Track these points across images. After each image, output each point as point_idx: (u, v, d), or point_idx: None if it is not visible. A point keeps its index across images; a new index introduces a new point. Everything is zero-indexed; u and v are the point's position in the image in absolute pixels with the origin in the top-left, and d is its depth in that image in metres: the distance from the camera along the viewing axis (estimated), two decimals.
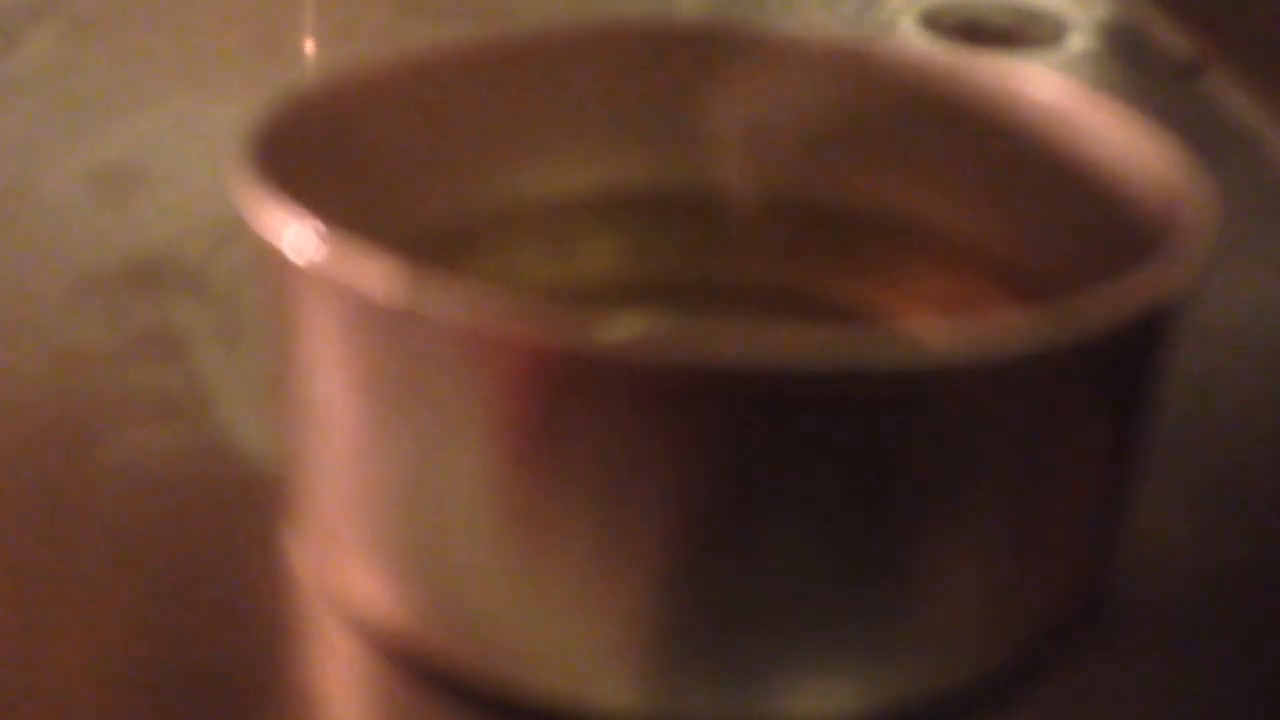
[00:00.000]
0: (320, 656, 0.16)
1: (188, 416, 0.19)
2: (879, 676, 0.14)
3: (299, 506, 0.16)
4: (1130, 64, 0.29)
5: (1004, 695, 0.15)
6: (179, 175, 0.25)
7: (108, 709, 0.16)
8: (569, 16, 0.31)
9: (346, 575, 0.15)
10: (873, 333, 0.18)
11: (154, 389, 0.20)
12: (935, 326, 0.17)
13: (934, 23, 0.32)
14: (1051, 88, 0.18)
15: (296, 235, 0.13)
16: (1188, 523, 0.19)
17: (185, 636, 0.16)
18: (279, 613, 0.17)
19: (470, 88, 0.20)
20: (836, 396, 0.12)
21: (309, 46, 0.31)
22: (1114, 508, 0.16)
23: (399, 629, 0.14)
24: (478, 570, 0.14)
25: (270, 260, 0.14)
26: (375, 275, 0.13)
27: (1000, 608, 0.14)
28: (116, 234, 0.24)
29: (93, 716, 0.16)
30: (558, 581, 0.13)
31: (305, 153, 0.17)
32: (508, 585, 0.14)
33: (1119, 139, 0.17)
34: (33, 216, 0.26)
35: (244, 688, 0.16)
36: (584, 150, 0.20)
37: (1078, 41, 0.30)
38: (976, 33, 0.32)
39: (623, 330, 0.12)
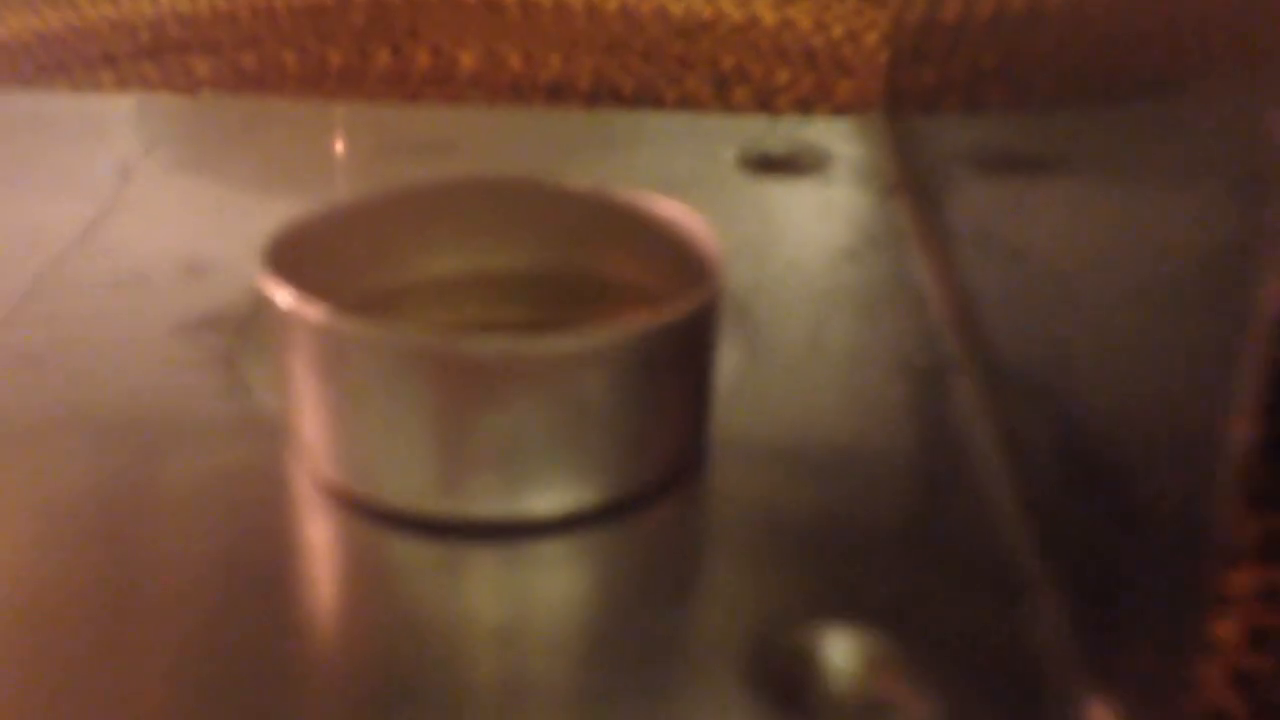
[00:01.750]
0: (309, 512, 0.24)
1: (237, 399, 0.27)
2: (577, 490, 0.23)
3: (299, 440, 0.24)
4: (860, 184, 0.37)
5: (640, 507, 0.24)
6: (243, 264, 0.30)
7: (189, 566, 0.23)
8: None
9: (318, 465, 0.24)
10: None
11: (216, 388, 0.27)
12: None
13: (743, 158, 0.39)
14: (672, 206, 0.26)
15: (284, 297, 0.23)
16: (761, 425, 0.26)
17: (235, 519, 0.24)
18: (289, 499, 0.24)
19: (403, 212, 0.27)
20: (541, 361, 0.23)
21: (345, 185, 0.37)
22: (698, 410, 0.25)
23: (339, 483, 0.24)
24: (381, 450, 0.23)
25: (273, 310, 0.23)
26: (321, 315, 0.22)
27: (635, 461, 0.24)
28: (197, 302, 0.30)
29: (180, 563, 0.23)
30: (414, 449, 0.23)
31: (302, 250, 0.25)
32: (390, 452, 0.23)
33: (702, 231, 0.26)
34: (142, 292, 0.31)
35: (273, 536, 0.23)
36: (464, 248, 0.28)
37: (836, 168, 0.38)
38: (769, 162, 0.39)
39: (424, 334, 0.22)
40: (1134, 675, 0.19)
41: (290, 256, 0.24)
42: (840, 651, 0.21)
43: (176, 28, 0.45)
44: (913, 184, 0.36)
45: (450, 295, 0.28)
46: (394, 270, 0.28)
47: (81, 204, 0.34)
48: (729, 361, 0.27)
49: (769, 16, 0.46)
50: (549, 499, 0.24)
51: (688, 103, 0.45)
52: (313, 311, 0.23)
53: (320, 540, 0.24)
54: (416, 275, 0.28)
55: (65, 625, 0.22)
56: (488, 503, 0.23)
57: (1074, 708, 0.20)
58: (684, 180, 0.37)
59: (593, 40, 0.44)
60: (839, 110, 0.44)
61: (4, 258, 0.31)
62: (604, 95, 0.45)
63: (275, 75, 0.44)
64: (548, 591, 0.23)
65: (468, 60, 0.44)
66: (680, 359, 0.24)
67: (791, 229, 0.35)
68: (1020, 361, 0.26)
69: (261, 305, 0.25)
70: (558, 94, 0.44)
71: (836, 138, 0.40)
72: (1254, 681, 0.17)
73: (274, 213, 0.30)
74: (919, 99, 0.37)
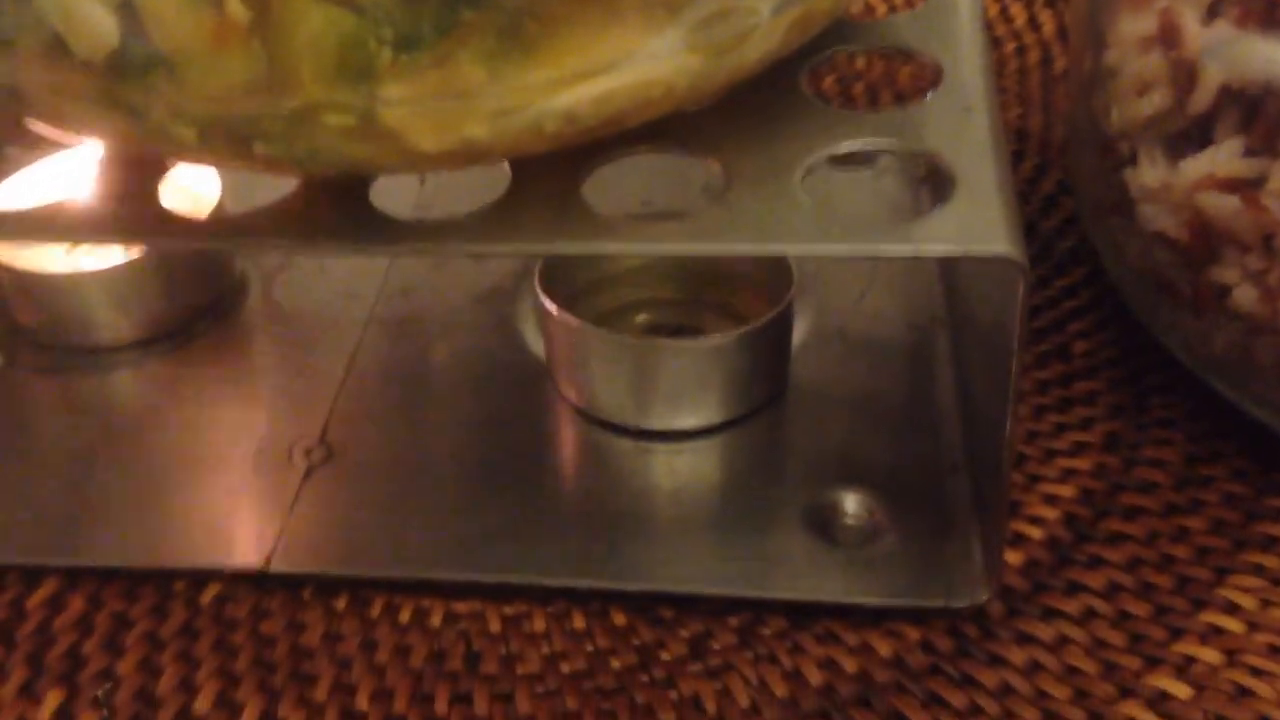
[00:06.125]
0: (559, 416, 0.38)
1: (515, 346, 0.41)
2: (710, 413, 0.38)
3: (554, 377, 0.38)
4: None
5: (748, 420, 0.37)
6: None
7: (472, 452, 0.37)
8: None
9: (564, 391, 0.37)
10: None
11: (502, 339, 0.41)
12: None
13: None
14: None
15: (551, 305, 0.35)
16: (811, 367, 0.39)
17: (513, 415, 0.38)
18: (548, 407, 0.38)
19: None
20: None
21: None
22: (782, 363, 0.37)
23: (576, 402, 0.37)
24: (603, 389, 0.39)
25: (541, 309, 0.37)
26: (574, 322, 0.35)
27: (746, 394, 0.37)
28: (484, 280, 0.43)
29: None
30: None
31: (554, 271, 0.37)
32: (608, 390, 0.39)
33: None
34: (451, 270, 0.45)
35: (536, 425, 0.37)
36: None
37: None
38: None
39: (629, 336, 0.39)
40: (990, 517, 0.35)
41: (550, 271, 0.38)
42: (851, 502, 0.35)
43: None
44: None
45: (632, 277, 0.41)
46: (603, 264, 0.41)
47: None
48: (800, 328, 0.39)
49: None
50: (696, 417, 0.37)
51: None
52: (569, 319, 0.37)
53: (566, 433, 0.38)
54: (615, 267, 0.41)
55: (427, 440, 0.39)
56: (661, 419, 0.37)
57: (973, 538, 0.36)
58: None
59: None
60: None
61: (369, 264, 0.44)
62: None
63: None
64: (692, 466, 0.36)
65: None
66: (771, 343, 0.38)
67: None
68: (980, 322, 0.36)
69: (522, 283, 0.41)
70: None
71: None
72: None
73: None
74: None
